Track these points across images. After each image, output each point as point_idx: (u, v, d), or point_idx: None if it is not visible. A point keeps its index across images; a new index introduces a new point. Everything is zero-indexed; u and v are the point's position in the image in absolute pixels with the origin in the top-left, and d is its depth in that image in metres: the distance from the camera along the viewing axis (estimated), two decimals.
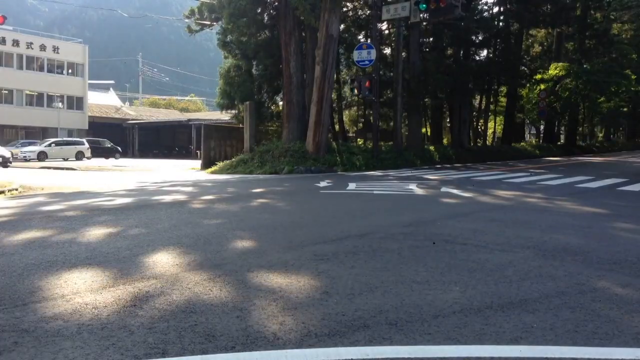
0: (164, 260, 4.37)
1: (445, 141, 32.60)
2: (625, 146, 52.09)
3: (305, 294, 3.41)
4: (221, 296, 3.36)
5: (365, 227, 6.06)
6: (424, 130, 31.17)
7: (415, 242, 5.15)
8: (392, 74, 25.57)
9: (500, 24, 31.42)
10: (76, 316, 2.96)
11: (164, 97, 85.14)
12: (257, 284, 3.65)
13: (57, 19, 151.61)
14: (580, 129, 47.80)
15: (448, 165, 21.60)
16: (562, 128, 45.52)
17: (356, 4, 26.95)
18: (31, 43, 43.95)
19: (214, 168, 19.78)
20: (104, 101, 57.77)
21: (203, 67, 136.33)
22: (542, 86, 33.51)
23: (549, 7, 32.83)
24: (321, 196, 9.89)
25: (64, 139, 37.62)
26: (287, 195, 10.23)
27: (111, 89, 66.12)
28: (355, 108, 33.43)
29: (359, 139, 33.73)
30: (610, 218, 6.92)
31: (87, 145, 35.05)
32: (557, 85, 33.43)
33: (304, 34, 20.82)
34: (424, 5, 17.95)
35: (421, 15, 19.26)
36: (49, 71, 45.32)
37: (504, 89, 35.31)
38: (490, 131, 41.34)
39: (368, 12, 25.65)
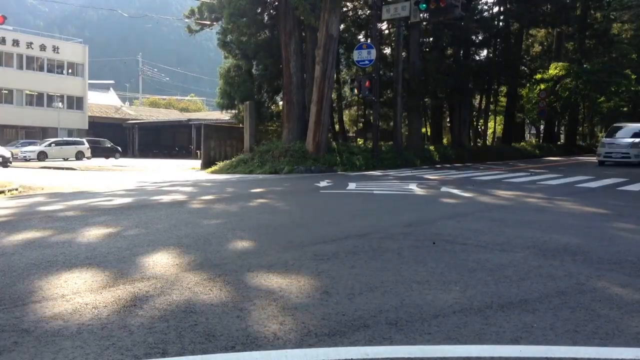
0: (164, 260, 4.37)
1: (445, 141, 32.59)
2: None
3: (305, 293, 3.41)
4: (221, 296, 3.36)
5: (365, 227, 6.06)
6: (424, 130, 31.16)
7: (415, 242, 5.15)
8: (392, 74, 25.56)
9: (500, 23, 31.41)
10: (76, 316, 2.96)
11: (164, 97, 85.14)
12: (257, 283, 3.65)
13: (57, 19, 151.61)
14: (580, 128, 47.82)
15: (448, 165, 21.60)
16: (562, 128, 45.53)
17: (356, 4, 26.95)
18: (31, 43, 43.95)
19: (214, 168, 19.78)
20: (104, 101, 57.78)
21: (203, 67, 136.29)
22: (542, 86, 33.52)
23: (549, 7, 32.82)
24: (321, 196, 9.89)
25: (64, 139, 37.62)
26: (287, 195, 10.23)
27: (111, 89, 66.14)
28: (355, 108, 33.42)
29: (359, 139, 33.73)
30: (610, 218, 6.92)
31: (87, 145, 35.05)
32: (557, 85, 33.44)
33: (304, 34, 20.82)
34: (424, 5, 17.96)
35: (421, 15, 19.27)
36: (49, 71, 45.32)
37: (504, 88, 35.30)
38: (490, 131, 41.33)
39: (368, 12, 25.65)
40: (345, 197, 9.67)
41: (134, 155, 45.48)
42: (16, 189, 11.18)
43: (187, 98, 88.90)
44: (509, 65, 30.78)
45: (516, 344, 2.58)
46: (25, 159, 30.86)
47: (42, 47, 44.51)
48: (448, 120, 33.29)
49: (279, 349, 2.51)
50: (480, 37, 30.25)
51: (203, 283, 3.65)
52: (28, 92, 44.29)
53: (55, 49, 45.44)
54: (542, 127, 43.11)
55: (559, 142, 42.04)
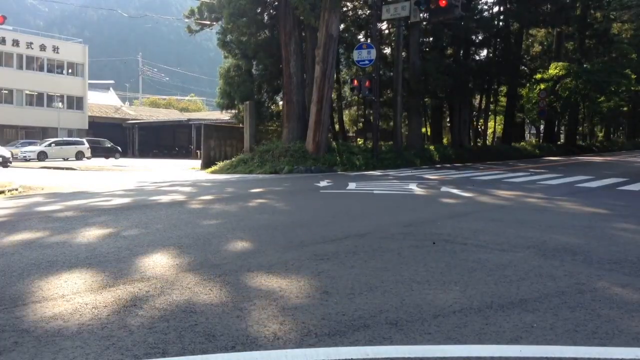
0: (163, 261, 4.37)
1: (445, 141, 32.59)
2: (625, 146, 52.10)
3: (305, 293, 3.41)
4: (221, 296, 3.36)
5: (365, 226, 6.06)
6: (424, 130, 31.15)
7: (415, 242, 5.15)
8: (392, 73, 25.56)
9: (500, 23, 31.41)
10: (76, 316, 2.96)
11: (164, 97, 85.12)
12: (257, 283, 3.65)
13: (57, 19, 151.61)
14: (580, 128, 47.80)
15: (448, 165, 21.60)
16: (562, 128, 45.52)
17: (356, 3, 26.95)
18: (31, 43, 43.95)
19: (214, 168, 19.78)
20: (104, 101, 57.77)
21: (203, 67, 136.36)
22: (542, 86, 33.52)
23: (549, 6, 32.81)
24: (321, 196, 9.89)
25: (64, 138, 37.60)
26: (287, 195, 10.23)
27: (111, 88, 66.13)
28: (355, 108, 33.43)
29: (359, 139, 33.75)
30: (610, 218, 6.92)
31: (87, 145, 35.04)
32: (557, 85, 33.43)
33: (303, 34, 20.82)
34: (424, 5, 17.95)
35: (421, 15, 19.27)
36: (49, 71, 45.32)
37: (504, 88, 35.31)
38: (490, 131, 41.34)
39: (368, 12, 25.65)
40: (345, 197, 9.67)
41: (133, 155, 45.48)
42: (16, 189, 11.18)
43: (187, 98, 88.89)
44: (509, 65, 30.78)
45: (516, 343, 2.58)
46: (25, 159, 30.85)
47: (42, 47, 44.51)
48: (448, 120, 33.28)
49: (279, 349, 2.51)
50: (480, 37, 30.26)
51: (203, 283, 3.65)
52: (28, 92, 44.28)
53: (55, 49, 45.43)
54: (542, 127, 43.12)
55: (559, 142, 42.03)
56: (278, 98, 24.55)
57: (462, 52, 28.52)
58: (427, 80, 24.00)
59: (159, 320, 2.90)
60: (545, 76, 33.05)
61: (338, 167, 17.91)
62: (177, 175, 17.34)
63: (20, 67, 43.47)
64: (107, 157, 37.45)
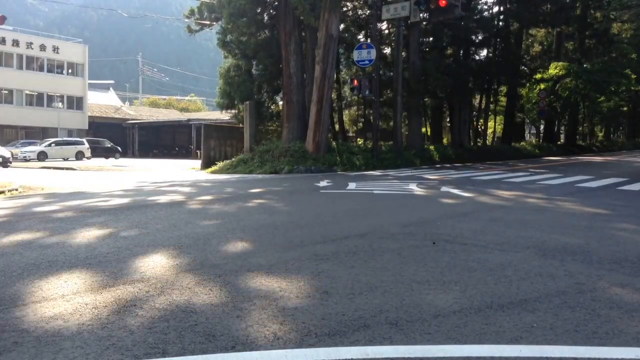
0: (163, 261, 4.37)
1: (445, 141, 32.59)
2: (625, 145, 52.11)
3: (306, 293, 3.41)
4: (221, 296, 3.36)
5: (365, 227, 6.06)
6: (424, 130, 31.15)
7: (415, 242, 5.15)
8: (392, 73, 25.56)
9: (500, 23, 31.40)
10: (76, 316, 2.96)
11: (164, 97, 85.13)
12: (257, 283, 3.65)
13: (57, 19, 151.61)
14: (580, 128, 47.81)
15: (448, 165, 21.60)
16: (562, 128, 45.52)
17: (356, 3, 26.95)
18: (31, 43, 43.94)
19: (214, 168, 19.78)
20: (104, 101, 57.77)
21: (203, 67, 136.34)
22: (542, 86, 33.52)
23: (548, 6, 32.82)
24: (321, 196, 9.89)
25: (64, 139, 37.60)
26: (287, 195, 10.23)
27: (111, 89, 66.13)
28: (355, 108, 33.43)
29: (359, 139, 33.74)
30: (610, 218, 6.92)
31: (87, 145, 35.04)
32: (557, 85, 33.43)
33: (303, 34, 20.82)
34: (424, 5, 17.94)
35: (421, 15, 19.26)
36: (49, 71, 45.31)
37: (504, 88, 35.30)
38: (490, 131, 41.34)
39: (368, 11, 25.65)
40: (345, 197, 9.66)
41: (133, 155, 45.48)
42: (16, 189, 11.18)
43: (187, 98, 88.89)
44: (509, 65, 30.77)
45: (516, 343, 2.58)
46: (25, 159, 30.86)
47: (42, 47, 44.50)
48: (448, 120, 33.29)
49: (279, 349, 2.51)
50: (480, 37, 30.25)
51: (203, 283, 3.65)
52: (28, 92, 44.28)
53: (55, 49, 45.43)
54: (542, 127, 43.11)
55: (559, 142, 42.03)
56: (278, 98, 24.55)
57: (462, 52, 28.52)
58: (427, 80, 24.00)
59: (159, 320, 2.90)
60: (545, 76, 33.05)
61: (338, 167, 17.91)
62: (177, 176, 17.34)
63: (20, 67, 43.47)
64: (107, 157, 37.45)
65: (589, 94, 34.39)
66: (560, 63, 32.76)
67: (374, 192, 10.32)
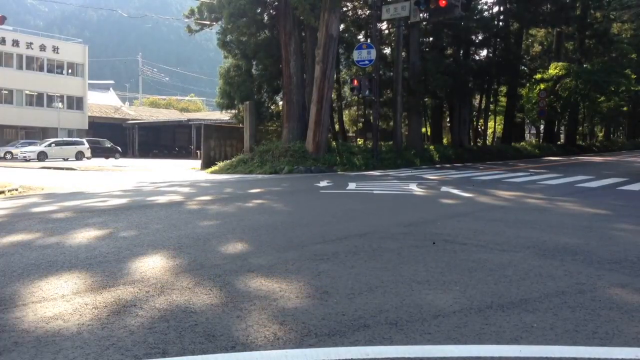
0: (164, 261, 4.37)
1: (445, 141, 32.60)
2: (626, 146, 52.12)
3: (306, 293, 3.41)
4: (221, 296, 3.36)
5: (365, 227, 6.06)
6: (424, 130, 31.15)
7: (415, 242, 5.15)
8: (392, 73, 25.57)
9: (500, 23, 31.41)
10: (76, 316, 2.96)
11: (164, 97, 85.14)
12: (258, 283, 3.65)
13: (57, 19, 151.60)
14: (580, 128, 47.82)
15: (448, 165, 21.60)
16: (562, 128, 45.54)
17: (356, 3, 26.95)
18: (31, 43, 43.95)
19: (214, 168, 19.78)
20: (104, 101, 57.76)
21: (203, 67, 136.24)
22: (542, 86, 33.53)
23: (549, 6, 32.83)
24: (321, 196, 9.89)
25: (64, 139, 37.62)
26: (287, 195, 10.23)
27: (111, 89, 66.12)
28: (355, 108, 33.43)
29: (359, 139, 33.75)
30: (610, 218, 6.92)
31: (87, 145, 35.05)
32: (557, 85, 33.45)
33: (303, 34, 20.83)
34: (424, 5, 17.94)
35: (421, 15, 19.26)
36: (49, 71, 45.32)
37: (503, 88, 35.31)
38: (490, 131, 41.34)
39: (368, 12, 25.65)
40: (345, 197, 9.66)
41: (133, 156, 45.48)
42: (16, 189, 11.19)
43: (187, 98, 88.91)
44: (509, 65, 30.77)
45: (516, 344, 2.58)
46: (25, 159, 30.87)
47: (42, 47, 44.51)
48: (448, 120, 33.29)
49: (279, 349, 2.51)
50: (480, 37, 30.26)
51: (203, 283, 3.65)
52: (28, 92, 44.28)
53: (55, 49, 45.44)
54: (542, 127, 43.12)
55: (559, 142, 42.03)
56: (278, 98, 24.54)
57: (462, 52, 28.52)
58: (427, 80, 24.00)
59: (159, 320, 2.90)
60: (545, 76, 33.07)
61: (338, 167, 17.91)
62: (176, 176, 17.34)
63: (20, 67, 43.47)
64: (107, 157, 37.45)
65: (589, 94, 34.41)
66: (560, 63, 32.78)
67: (374, 192, 10.32)
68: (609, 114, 47.03)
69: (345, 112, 33.71)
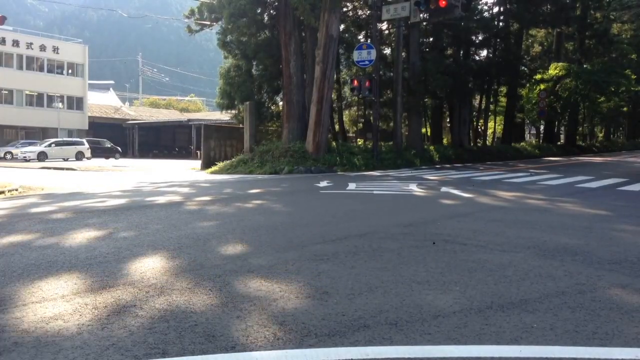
0: (163, 261, 4.37)
1: (445, 141, 32.61)
2: (626, 146, 52.12)
3: (305, 294, 3.41)
4: (221, 296, 3.36)
5: (365, 227, 6.06)
6: (424, 130, 31.16)
7: (415, 242, 5.14)
8: (392, 74, 25.57)
9: (500, 24, 31.42)
10: (76, 316, 2.96)
11: (164, 97, 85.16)
12: (257, 284, 3.65)
13: (57, 19, 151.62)
14: (580, 129, 47.82)
15: (448, 165, 21.60)
16: (562, 128, 45.55)
17: (356, 4, 26.95)
18: (31, 43, 43.95)
19: (214, 168, 19.78)
20: (104, 101, 57.77)
21: (203, 67, 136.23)
22: (542, 86, 33.53)
23: (549, 7, 32.84)
24: (321, 196, 9.89)
25: (64, 139, 37.63)
26: (287, 196, 10.23)
27: (111, 89, 66.13)
28: (355, 108, 33.44)
29: (359, 139, 33.74)
30: (610, 218, 6.92)
31: (87, 145, 35.05)
32: (557, 85, 33.44)
33: (303, 34, 20.83)
34: (424, 5, 17.95)
35: (421, 15, 19.26)
36: (49, 71, 45.33)
37: (503, 89, 35.32)
38: (490, 131, 41.35)
39: (368, 12, 25.65)
40: (345, 198, 9.66)
41: (133, 156, 45.49)
42: (16, 190, 11.19)
43: (187, 98, 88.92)
44: (509, 65, 30.78)
45: (516, 344, 2.58)
46: (25, 159, 30.87)
47: (42, 48, 44.52)
48: (448, 120, 33.30)
49: (279, 349, 2.51)
50: (480, 37, 30.27)
51: (203, 283, 3.65)
52: (28, 93, 44.28)
53: (55, 49, 45.44)
54: (542, 127, 43.13)
55: (559, 142, 42.03)
56: (278, 98, 24.55)
57: (462, 52, 28.53)
58: (427, 80, 24.01)
59: (159, 320, 2.90)
60: (545, 76, 33.07)
61: (338, 168, 17.91)
62: (176, 176, 17.34)
63: (20, 67, 43.48)
64: (107, 157, 37.45)
65: (589, 95, 34.40)
66: (560, 63, 32.78)
67: (374, 192, 10.32)
68: (609, 115, 47.03)
69: (345, 113, 33.71)
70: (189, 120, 45.72)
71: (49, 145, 33.26)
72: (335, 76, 22.58)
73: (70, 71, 46.93)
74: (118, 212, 7.45)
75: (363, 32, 28.24)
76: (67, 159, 32.85)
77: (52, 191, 11.33)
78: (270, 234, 5.63)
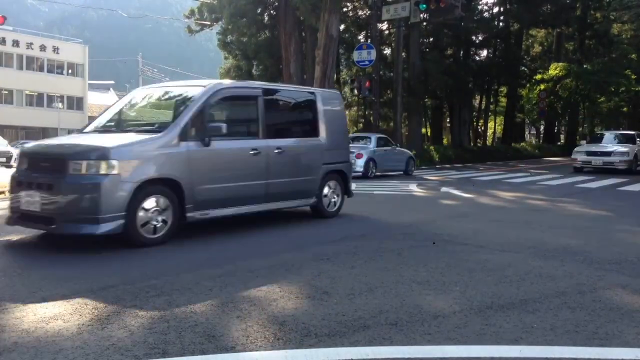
0: (164, 261, 4.36)
1: (445, 141, 32.59)
2: None
3: (306, 294, 3.41)
4: (221, 296, 3.36)
5: (365, 227, 6.06)
6: (424, 130, 31.14)
7: (415, 242, 5.14)
8: (392, 74, 25.56)
9: (500, 24, 31.42)
10: (76, 316, 2.96)
11: None
12: (258, 284, 3.65)
13: (57, 19, 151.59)
14: (580, 129, 47.77)
15: (448, 166, 21.58)
16: (562, 128, 45.52)
17: (356, 4, 26.95)
18: (31, 43, 43.93)
19: None
20: (104, 101, 57.71)
21: (203, 67, 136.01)
22: (542, 86, 33.48)
23: (549, 7, 32.81)
24: None
25: None
26: None
27: (111, 89, 66.15)
28: (355, 108, 33.43)
29: None
30: (610, 218, 6.92)
31: None
32: (557, 86, 33.41)
33: (304, 34, 20.85)
34: (424, 6, 17.94)
35: (421, 15, 19.25)
36: (49, 71, 45.31)
37: (504, 89, 35.30)
38: (490, 131, 41.34)
39: (368, 12, 25.64)
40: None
41: None
42: None
43: None
44: (509, 65, 30.77)
45: (516, 344, 2.58)
46: None
47: (42, 48, 44.49)
48: (448, 120, 33.29)
49: (279, 350, 2.51)
50: (480, 38, 30.27)
51: (203, 283, 3.65)
52: (28, 93, 44.27)
53: (55, 50, 45.42)
54: (542, 127, 43.12)
55: (559, 143, 42.01)
56: None
57: (462, 52, 28.54)
58: (427, 80, 24.00)
59: (159, 320, 2.90)
60: (545, 77, 33.02)
61: None
62: None
63: (20, 67, 43.46)
64: None
65: (589, 95, 34.36)
66: (560, 64, 32.74)
67: (374, 192, 10.32)
68: (609, 115, 46.97)
69: (346, 113, 33.70)
70: None
71: None
72: (335, 76, 22.57)
73: (70, 71, 46.92)
74: None
75: (363, 32, 28.25)
76: None
77: None
78: (270, 233, 5.62)
